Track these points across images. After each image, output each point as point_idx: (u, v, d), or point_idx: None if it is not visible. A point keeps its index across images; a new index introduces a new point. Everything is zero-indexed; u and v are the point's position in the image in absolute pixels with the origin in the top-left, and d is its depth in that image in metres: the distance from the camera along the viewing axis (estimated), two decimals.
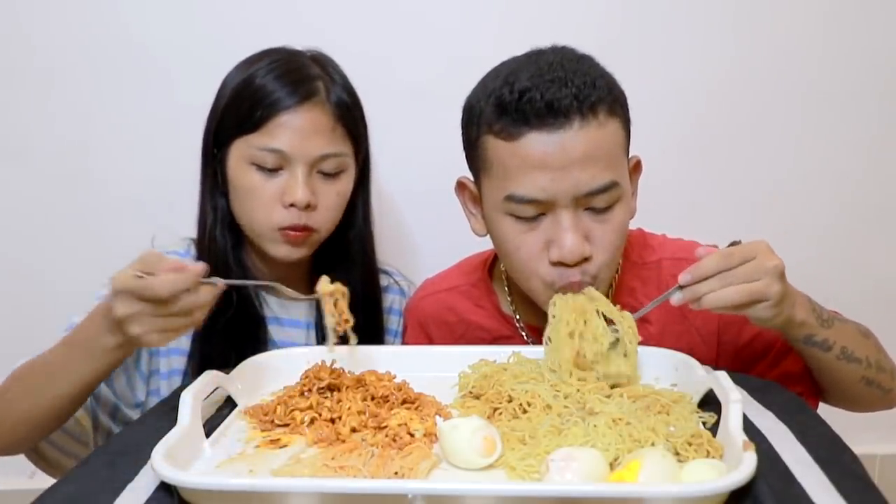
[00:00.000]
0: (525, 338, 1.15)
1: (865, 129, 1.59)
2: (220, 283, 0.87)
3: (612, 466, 0.73)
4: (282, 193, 1.11)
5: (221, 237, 1.17)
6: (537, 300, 1.05)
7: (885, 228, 1.64)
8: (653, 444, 0.76)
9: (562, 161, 0.94)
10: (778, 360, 1.08)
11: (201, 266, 0.84)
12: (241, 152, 1.12)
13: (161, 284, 0.81)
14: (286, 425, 0.88)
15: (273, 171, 1.11)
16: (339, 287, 1.00)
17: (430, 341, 1.20)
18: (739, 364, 1.10)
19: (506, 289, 1.17)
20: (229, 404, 0.92)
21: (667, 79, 1.53)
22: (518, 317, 1.16)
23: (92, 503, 0.70)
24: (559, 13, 1.51)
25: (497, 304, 1.18)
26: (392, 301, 1.31)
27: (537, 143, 0.95)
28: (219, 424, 0.87)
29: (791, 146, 1.59)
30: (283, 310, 1.22)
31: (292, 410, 0.89)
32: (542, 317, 1.05)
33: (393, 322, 1.30)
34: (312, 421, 0.87)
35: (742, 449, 0.69)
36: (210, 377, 0.88)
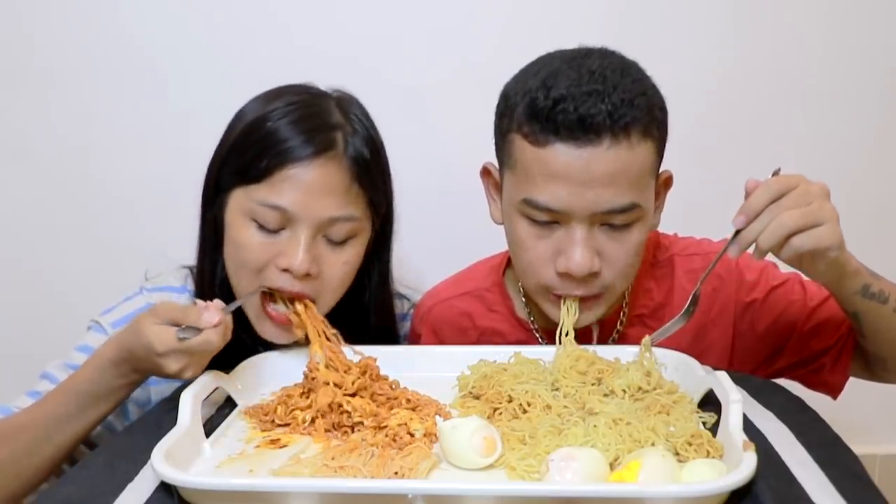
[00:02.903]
0: (541, 342, 1.13)
1: (865, 129, 1.59)
2: (231, 306, 0.93)
3: (612, 466, 0.73)
4: (278, 254, 0.97)
5: (221, 295, 1.01)
6: (535, 299, 1.05)
7: (885, 228, 1.63)
8: (653, 444, 0.76)
9: (585, 177, 0.92)
10: (806, 341, 1.07)
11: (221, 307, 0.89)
12: (239, 204, 0.99)
13: (218, 340, 0.86)
14: (286, 425, 0.88)
15: (274, 231, 0.98)
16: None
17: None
18: (764, 352, 1.10)
19: (521, 290, 1.14)
20: (229, 404, 0.92)
21: (667, 79, 1.52)
22: (532, 319, 1.14)
23: (92, 503, 0.70)
24: (560, 15, 1.51)
25: (512, 308, 1.16)
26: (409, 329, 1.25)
27: (563, 154, 0.92)
28: (219, 424, 0.87)
29: (791, 146, 1.59)
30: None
31: (292, 410, 0.89)
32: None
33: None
34: (313, 420, 0.87)
35: (742, 449, 0.69)
36: (210, 377, 0.88)
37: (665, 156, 1.06)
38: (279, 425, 0.88)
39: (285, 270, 0.97)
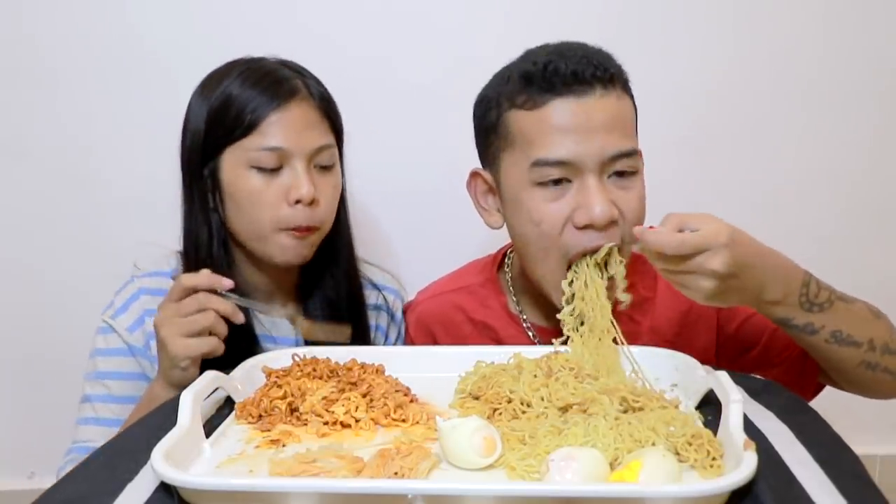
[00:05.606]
0: (531, 337, 1.16)
1: (865, 129, 1.59)
2: (233, 298, 1.01)
3: (612, 466, 0.73)
4: (286, 191, 1.09)
5: (219, 253, 1.15)
6: (548, 286, 1.05)
7: (885, 228, 1.64)
8: (653, 444, 0.76)
9: (587, 125, 0.98)
10: (774, 342, 1.10)
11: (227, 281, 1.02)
12: (236, 158, 1.10)
13: (185, 277, 1.00)
14: (272, 414, 0.89)
15: (274, 170, 1.09)
16: None
17: (435, 342, 1.21)
18: (732, 353, 1.13)
19: (511, 289, 1.18)
20: (229, 404, 0.92)
21: (666, 79, 1.53)
22: (525, 317, 1.17)
23: (92, 503, 0.70)
24: (557, 15, 1.51)
25: (504, 303, 1.19)
26: (378, 318, 1.28)
27: (563, 108, 0.99)
28: (219, 424, 0.87)
29: (791, 147, 1.59)
30: (274, 327, 1.20)
31: (272, 400, 0.90)
32: (547, 316, 1.08)
33: (379, 339, 1.28)
34: (290, 405, 0.89)
35: (742, 448, 0.69)
36: (210, 377, 0.88)
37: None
38: (262, 415, 0.89)
39: (297, 202, 1.09)
